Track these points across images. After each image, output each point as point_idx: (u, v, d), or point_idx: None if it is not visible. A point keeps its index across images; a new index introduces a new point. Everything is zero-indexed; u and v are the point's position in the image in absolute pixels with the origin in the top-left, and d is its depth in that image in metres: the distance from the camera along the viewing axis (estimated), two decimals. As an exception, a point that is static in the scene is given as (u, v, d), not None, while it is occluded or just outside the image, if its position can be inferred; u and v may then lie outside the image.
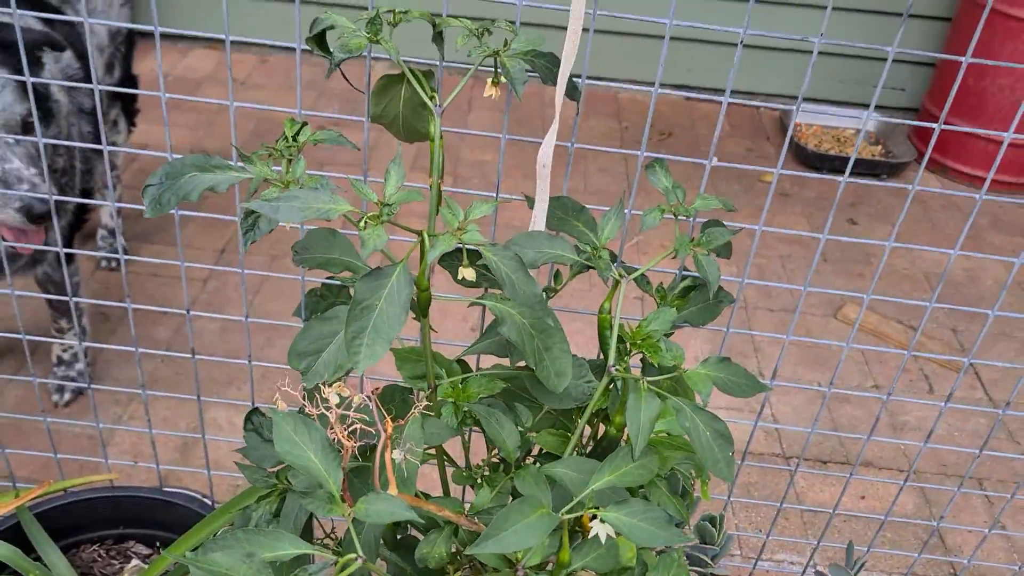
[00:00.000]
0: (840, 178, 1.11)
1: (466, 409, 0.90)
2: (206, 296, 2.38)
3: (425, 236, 0.74)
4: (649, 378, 0.86)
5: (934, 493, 2.04)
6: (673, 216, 0.94)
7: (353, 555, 0.64)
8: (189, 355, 1.29)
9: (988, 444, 1.33)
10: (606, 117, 3.44)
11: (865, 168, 3.19)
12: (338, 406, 0.68)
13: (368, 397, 0.70)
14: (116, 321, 2.28)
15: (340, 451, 0.69)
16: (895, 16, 3.40)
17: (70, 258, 1.94)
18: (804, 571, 1.47)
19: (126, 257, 1.20)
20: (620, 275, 0.92)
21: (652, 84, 3.78)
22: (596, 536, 0.82)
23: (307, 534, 0.90)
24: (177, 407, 2.04)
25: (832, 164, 3.17)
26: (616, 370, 0.88)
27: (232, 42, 1.01)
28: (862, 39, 3.43)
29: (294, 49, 0.99)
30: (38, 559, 1.24)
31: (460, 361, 1.01)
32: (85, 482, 1.31)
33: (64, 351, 2.05)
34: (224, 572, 0.56)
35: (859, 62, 3.52)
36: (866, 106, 3.48)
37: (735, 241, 2.85)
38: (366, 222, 0.72)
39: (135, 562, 1.32)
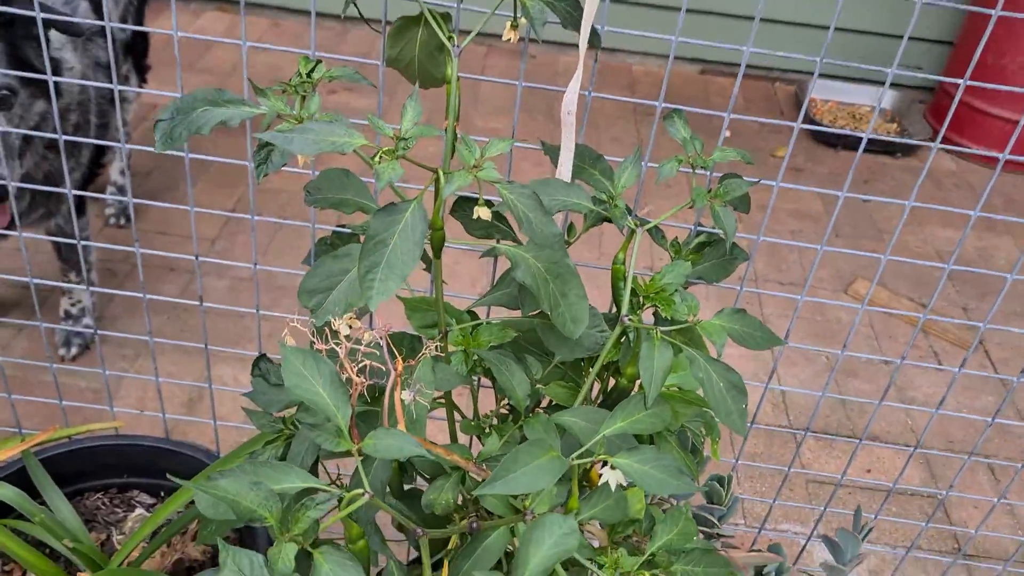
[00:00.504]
0: (861, 134, 1.09)
1: (476, 357, 0.89)
2: (214, 255, 2.37)
3: (440, 172, 0.73)
4: (662, 328, 0.85)
5: (940, 468, 2.03)
6: (690, 168, 0.93)
7: (360, 490, 0.63)
8: (196, 302, 1.28)
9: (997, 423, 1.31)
10: (620, 89, 3.41)
11: (880, 146, 3.16)
12: (347, 339, 0.67)
13: (378, 335, 0.69)
14: (123, 277, 2.28)
15: (349, 387, 0.68)
16: (915, -8, 3.35)
17: (81, 211, 1.93)
18: (808, 539, 1.46)
19: (135, 201, 1.19)
20: (636, 225, 0.90)
21: (666, 56, 3.70)
22: (605, 487, 0.81)
23: (314, 468, 0.89)
24: (183, 362, 2.03)
25: (847, 141, 3.14)
26: (629, 320, 0.86)
27: (246, 4, 1.00)
28: (878, 16, 3.39)
29: (307, 12, 0.96)
30: (44, 504, 1.24)
31: (470, 312, 1.00)
32: (90, 430, 1.30)
33: (72, 305, 2.04)
34: (231, 498, 0.56)
35: (877, 39, 3.48)
36: (883, 84, 3.45)
37: (747, 215, 2.82)
38: (381, 156, 0.70)
39: (139, 511, 1.32)
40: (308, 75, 0.82)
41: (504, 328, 0.93)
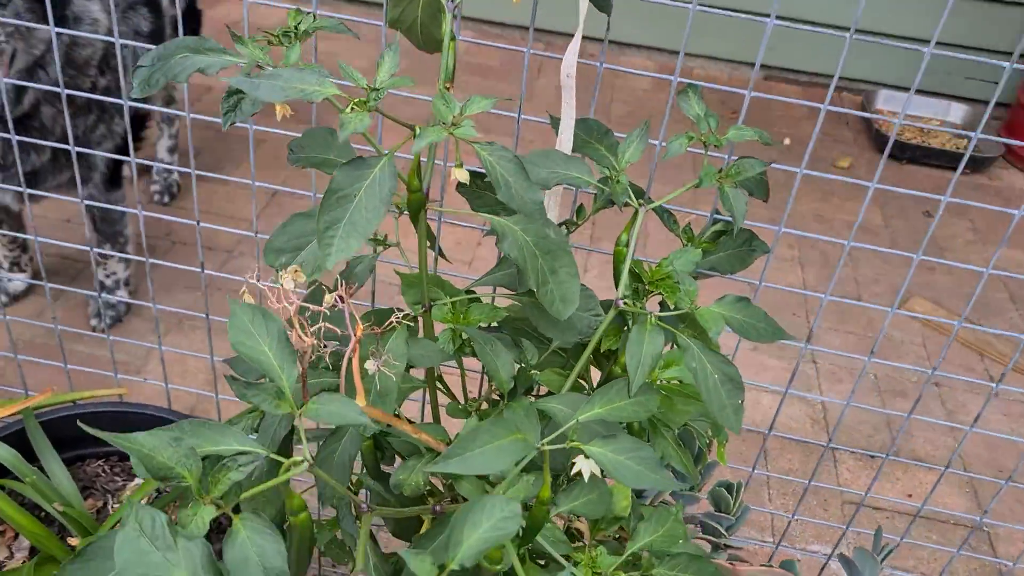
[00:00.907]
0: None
1: (464, 337, 0.85)
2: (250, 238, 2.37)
3: (417, 129, 0.68)
4: (660, 313, 0.79)
5: (988, 497, 1.91)
6: (703, 146, 0.87)
7: (299, 458, 0.59)
8: (230, 279, 1.26)
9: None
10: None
11: (947, 161, 3.02)
12: (296, 294, 0.63)
13: (340, 297, 0.65)
14: (163, 253, 2.28)
15: (302, 349, 0.64)
16: (993, 3, 3.21)
17: (116, 183, 1.93)
18: (828, 559, 1.38)
19: (153, 163, 1.17)
20: (639, 204, 0.84)
21: (729, 61, 3.60)
22: (589, 478, 0.76)
23: (284, 451, 0.85)
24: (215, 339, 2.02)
25: (913, 154, 3.02)
26: (624, 303, 0.81)
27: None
28: (954, 27, 3.25)
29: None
30: (43, 469, 1.23)
31: (470, 292, 0.96)
32: (93, 395, 1.29)
33: (107, 276, 2.05)
34: (145, 453, 0.52)
35: (949, 51, 3.34)
36: (954, 97, 3.31)
37: (799, 220, 2.72)
38: (353, 107, 0.66)
39: (138, 480, 1.30)
40: (296, 27, 0.79)
41: (495, 307, 0.88)
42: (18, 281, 2.08)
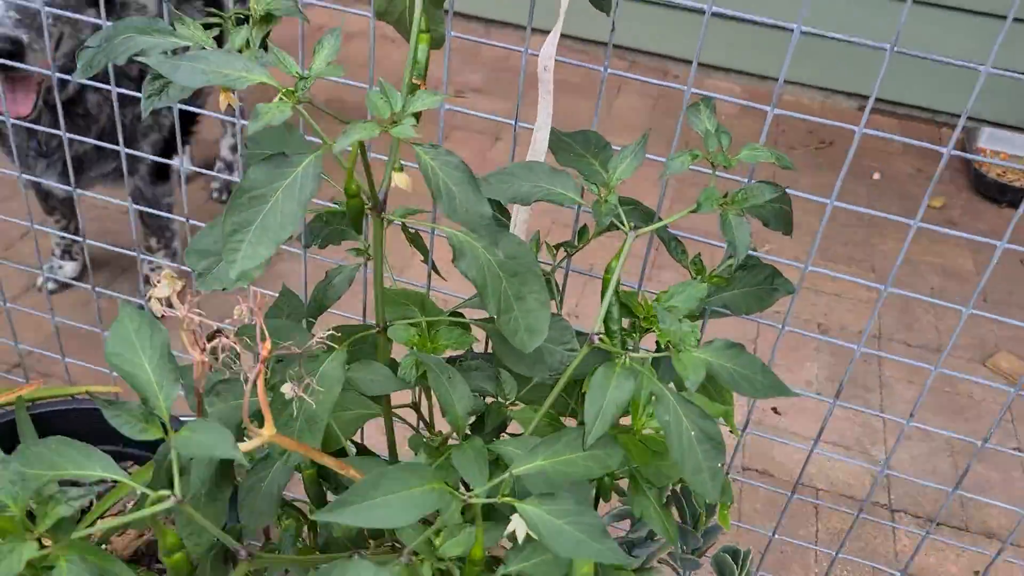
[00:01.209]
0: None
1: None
2: (293, 243, 2.33)
3: (352, 124, 0.60)
4: (655, 354, 0.68)
5: (1065, 583, 1.72)
6: (711, 166, 0.76)
7: (166, 492, 0.51)
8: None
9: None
10: (761, 119, 3.18)
11: (1053, 207, 2.80)
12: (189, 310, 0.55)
13: (251, 308, 0.57)
14: (213, 251, 2.27)
15: (200, 365, 0.56)
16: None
17: (164, 177, 1.91)
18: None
19: (153, 161, 1.12)
20: (630, 227, 0.74)
21: (823, 88, 3.38)
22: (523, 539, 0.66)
23: (226, 473, 0.78)
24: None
25: (1014, 196, 2.80)
26: (600, 339, 0.71)
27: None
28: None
29: None
30: (28, 461, 1.19)
31: (455, 314, 0.87)
32: (87, 391, 1.25)
33: (152, 270, 2.04)
34: (-41, 475, 0.45)
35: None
36: (1067, 139, 3.06)
37: (880, 260, 2.55)
38: (281, 97, 0.58)
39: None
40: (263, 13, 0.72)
41: (465, 333, 0.79)
42: (68, 269, 2.09)
